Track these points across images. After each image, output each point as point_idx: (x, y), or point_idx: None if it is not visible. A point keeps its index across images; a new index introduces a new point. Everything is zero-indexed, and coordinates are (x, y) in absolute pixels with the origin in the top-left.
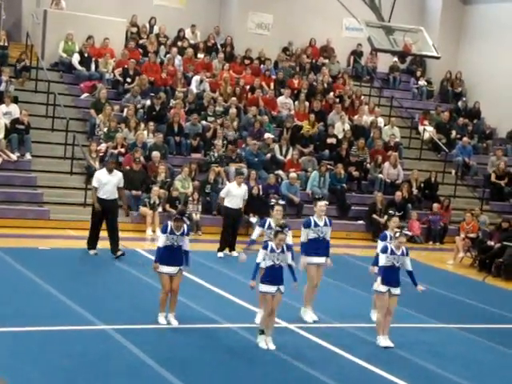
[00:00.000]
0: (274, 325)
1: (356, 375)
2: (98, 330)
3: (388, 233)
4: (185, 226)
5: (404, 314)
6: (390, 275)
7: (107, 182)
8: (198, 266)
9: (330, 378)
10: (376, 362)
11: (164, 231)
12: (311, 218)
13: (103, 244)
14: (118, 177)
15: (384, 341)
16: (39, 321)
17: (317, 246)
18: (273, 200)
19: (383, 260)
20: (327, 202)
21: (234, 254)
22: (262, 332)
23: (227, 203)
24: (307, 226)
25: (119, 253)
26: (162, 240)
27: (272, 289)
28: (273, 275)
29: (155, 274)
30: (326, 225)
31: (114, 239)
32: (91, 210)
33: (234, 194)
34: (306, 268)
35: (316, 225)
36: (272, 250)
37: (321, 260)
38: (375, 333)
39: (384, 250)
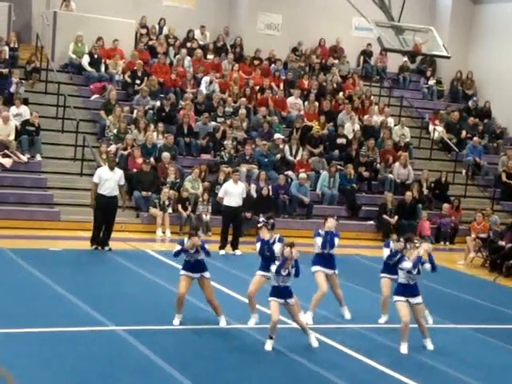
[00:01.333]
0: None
1: (365, 375)
2: (109, 331)
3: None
4: (199, 243)
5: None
6: (406, 289)
7: (108, 179)
8: (209, 266)
9: (339, 378)
10: (386, 363)
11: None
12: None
13: (115, 245)
14: (119, 174)
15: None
16: (49, 322)
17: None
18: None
19: (402, 278)
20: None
21: (238, 252)
22: (271, 338)
23: (226, 202)
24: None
25: (107, 248)
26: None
27: (279, 301)
28: (279, 293)
29: (165, 275)
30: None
31: (107, 234)
32: (93, 207)
33: (231, 192)
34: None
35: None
36: (278, 273)
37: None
38: (384, 333)
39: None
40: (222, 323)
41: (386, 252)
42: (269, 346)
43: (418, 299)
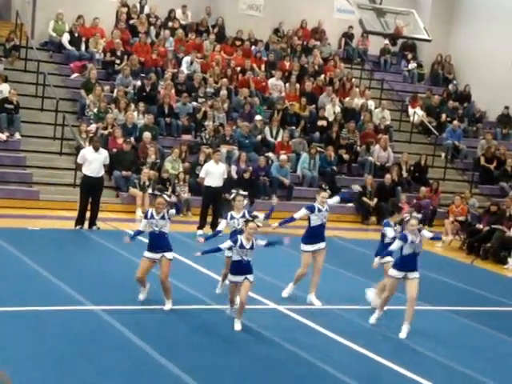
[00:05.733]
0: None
1: (342, 356)
2: (87, 311)
3: (391, 222)
4: (165, 210)
5: (394, 297)
6: (408, 261)
7: (93, 160)
8: (187, 246)
9: (319, 360)
10: (364, 343)
11: (145, 217)
12: (314, 204)
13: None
14: (104, 154)
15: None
16: (28, 301)
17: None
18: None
19: (406, 250)
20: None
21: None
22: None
23: (207, 182)
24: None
25: (95, 227)
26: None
27: (239, 278)
28: (240, 268)
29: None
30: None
31: (94, 214)
32: (79, 188)
33: (212, 172)
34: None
35: (319, 210)
36: (241, 246)
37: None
38: (363, 315)
39: (404, 239)
40: (167, 306)
41: (390, 232)
42: (238, 325)
43: (416, 274)
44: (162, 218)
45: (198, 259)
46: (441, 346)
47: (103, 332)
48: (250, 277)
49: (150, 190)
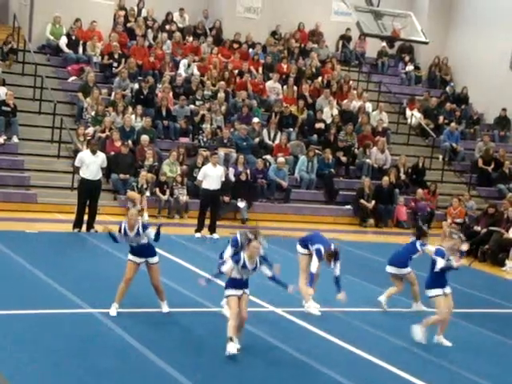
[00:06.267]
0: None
1: (342, 358)
2: (86, 314)
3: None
4: (139, 223)
5: (392, 299)
6: (443, 277)
7: (91, 163)
8: (185, 249)
9: (317, 362)
10: (363, 346)
11: (119, 230)
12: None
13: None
14: (101, 157)
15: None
16: (26, 304)
17: None
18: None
19: (441, 264)
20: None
21: (215, 236)
22: (231, 339)
23: (205, 185)
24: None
25: (93, 230)
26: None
27: (237, 292)
28: (238, 284)
29: None
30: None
31: (92, 217)
32: (77, 191)
33: (210, 175)
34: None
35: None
36: (244, 267)
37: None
38: (361, 317)
39: (441, 255)
40: (164, 309)
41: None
42: (233, 347)
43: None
44: (137, 234)
45: (196, 261)
46: (439, 347)
47: (101, 335)
48: (247, 290)
49: (147, 193)
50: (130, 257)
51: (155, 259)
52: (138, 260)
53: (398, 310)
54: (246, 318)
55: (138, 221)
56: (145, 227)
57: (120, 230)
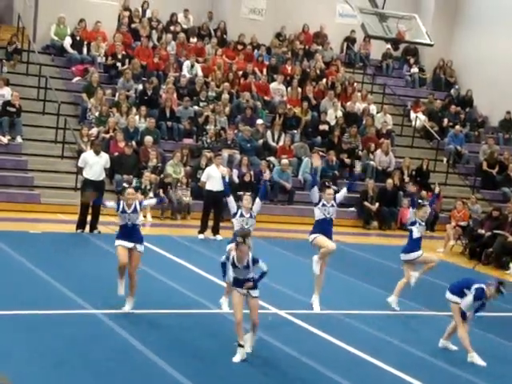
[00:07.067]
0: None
1: (344, 360)
2: (88, 315)
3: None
4: (136, 201)
5: (398, 301)
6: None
7: (94, 163)
8: (187, 250)
9: (320, 364)
10: (365, 348)
11: (117, 209)
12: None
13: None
14: (104, 158)
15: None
16: (29, 304)
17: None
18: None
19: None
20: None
21: (219, 237)
22: (240, 345)
23: (208, 186)
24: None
25: (96, 231)
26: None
27: (242, 291)
28: (240, 283)
29: (145, 259)
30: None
31: (95, 218)
32: (80, 192)
33: (214, 176)
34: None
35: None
36: (234, 265)
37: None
38: (363, 319)
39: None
40: (127, 308)
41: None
42: (238, 357)
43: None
44: (134, 211)
45: (199, 263)
46: (441, 350)
47: (103, 336)
48: (255, 293)
49: (151, 194)
50: (120, 242)
51: (142, 248)
52: (127, 244)
53: (402, 312)
54: (257, 322)
55: (135, 199)
56: (141, 204)
57: (118, 208)
